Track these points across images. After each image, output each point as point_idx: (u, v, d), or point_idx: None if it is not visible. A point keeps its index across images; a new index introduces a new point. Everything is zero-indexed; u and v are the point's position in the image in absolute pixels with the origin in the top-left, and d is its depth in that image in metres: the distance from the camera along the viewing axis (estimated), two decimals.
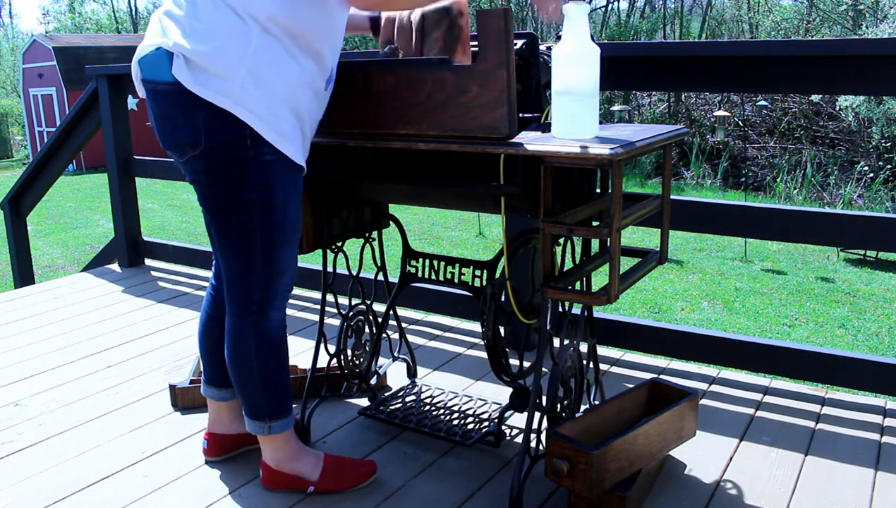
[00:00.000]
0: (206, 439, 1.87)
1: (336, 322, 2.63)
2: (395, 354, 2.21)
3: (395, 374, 2.32)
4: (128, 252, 3.68)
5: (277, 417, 1.66)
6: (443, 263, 1.91)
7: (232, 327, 1.61)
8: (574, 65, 1.39)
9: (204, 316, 1.80)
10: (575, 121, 1.42)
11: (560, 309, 1.63)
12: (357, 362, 2.09)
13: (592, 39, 1.44)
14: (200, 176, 1.47)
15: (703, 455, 1.84)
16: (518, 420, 2.00)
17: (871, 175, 11.16)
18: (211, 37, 1.36)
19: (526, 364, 1.84)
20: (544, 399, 1.62)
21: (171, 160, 2.14)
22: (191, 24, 1.38)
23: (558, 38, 1.74)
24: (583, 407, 1.77)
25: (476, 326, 2.75)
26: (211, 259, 2.00)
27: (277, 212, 1.50)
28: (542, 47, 1.69)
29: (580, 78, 1.40)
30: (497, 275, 1.76)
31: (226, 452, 1.87)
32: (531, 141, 1.40)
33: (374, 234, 2.04)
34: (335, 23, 1.49)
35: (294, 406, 2.09)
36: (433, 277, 1.93)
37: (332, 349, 2.00)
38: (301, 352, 2.57)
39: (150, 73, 1.42)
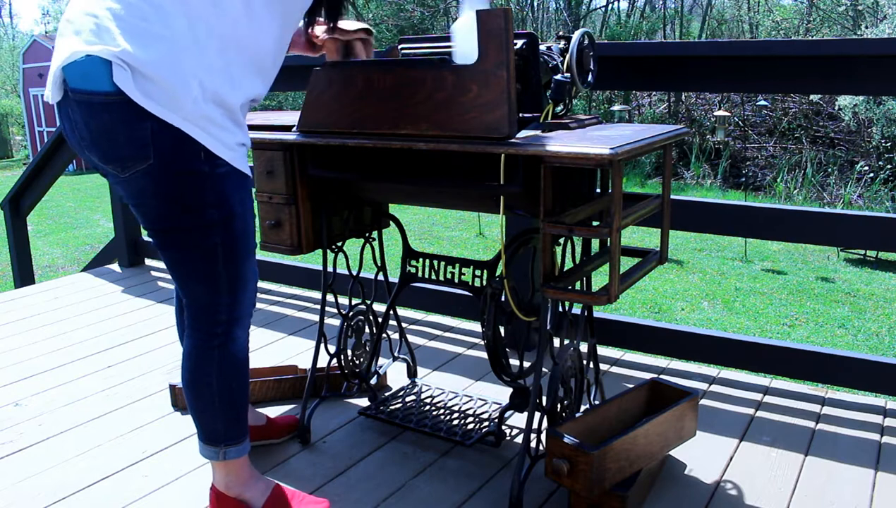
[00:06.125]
0: None
1: (336, 322, 2.63)
2: (396, 354, 2.21)
3: (395, 374, 2.32)
4: (128, 252, 3.68)
5: (234, 442, 1.53)
6: (443, 263, 1.91)
7: (192, 349, 1.48)
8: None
9: (180, 327, 1.71)
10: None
11: (560, 309, 1.63)
12: (357, 362, 2.09)
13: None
14: (147, 197, 1.35)
15: (703, 455, 1.84)
16: (518, 420, 2.00)
17: (871, 175, 11.15)
18: (163, 42, 1.24)
19: (526, 364, 1.84)
20: (544, 399, 1.62)
21: None
22: (138, 26, 1.24)
23: (558, 37, 1.74)
24: (583, 407, 1.78)
25: (476, 326, 2.75)
26: None
27: (237, 225, 1.41)
28: (542, 47, 1.69)
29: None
30: (497, 275, 1.76)
31: None
32: (531, 141, 1.40)
33: (374, 234, 2.04)
34: (280, 60, 1.47)
35: (294, 406, 2.09)
36: (433, 277, 1.93)
37: (332, 349, 2.00)
38: (301, 352, 2.57)
39: (82, 83, 1.25)
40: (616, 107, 12.84)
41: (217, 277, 1.42)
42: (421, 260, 1.94)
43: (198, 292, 1.44)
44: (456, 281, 1.89)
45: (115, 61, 1.22)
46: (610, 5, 17.72)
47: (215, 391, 1.49)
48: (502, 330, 1.78)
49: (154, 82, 1.23)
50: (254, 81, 1.39)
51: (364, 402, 2.13)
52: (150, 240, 1.44)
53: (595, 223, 1.67)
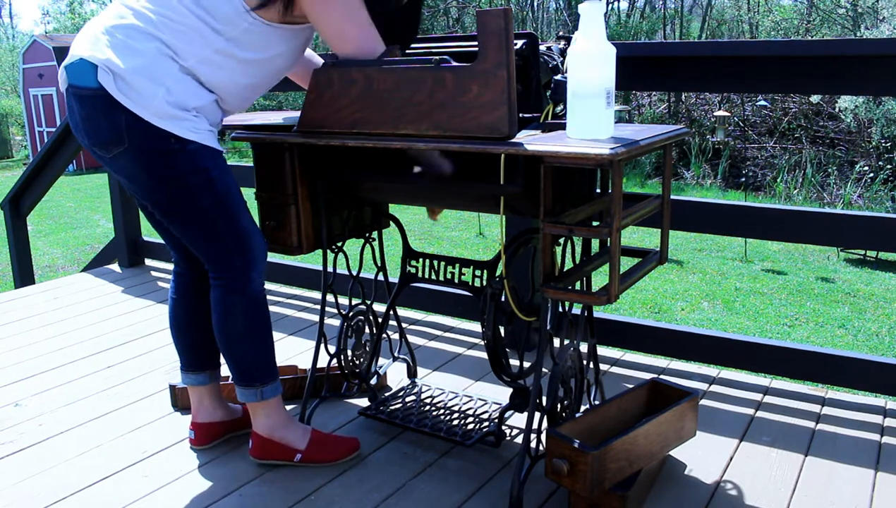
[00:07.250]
0: (191, 429, 1.91)
1: (336, 322, 2.63)
2: (396, 354, 2.21)
3: (395, 374, 2.32)
4: (128, 252, 3.68)
5: (268, 381, 1.75)
6: (443, 263, 1.91)
7: (219, 297, 1.69)
8: (587, 65, 1.38)
9: (171, 304, 1.87)
10: (588, 122, 1.41)
11: (560, 309, 1.63)
12: (357, 362, 2.09)
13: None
14: (134, 174, 1.58)
15: (703, 456, 1.84)
16: (518, 420, 2.00)
17: (871, 175, 11.15)
18: (139, 57, 1.50)
19: (526, 364, 1.84)
20: (544, 399, 1.62)
21: None
22: (123, 42, 1.52)
23: (558, 37, 1.75)
24: (583, 407, 1.78)
25: (476, 326, 2.75)
26: None
27: (219, 186, 1.61)
28: (542, 47, 1.69)
29: (593, 78, 1.38)
30: (497, 275, 1.76)
31: (213, 440, 1.92)
32: (531, 141, 1.40)
33: (374, 234, 2.04)
34: (252, 94, 1.67)
35: (294, 406, 2.09)
36: (433, 277, 1.93)
37: (332, 349, 2.00)
38: (301, 352, 2.57)
39: (76, 80, 1.54)
40: (616, 107, 12.85)
41: (219, 233, 1.63)
42: (421, 260, 1.94)
43: (209, 250, 1.66)
44: (456, 281, 1.89)
45: (101, 66, 1.50)
46: (610, 5, 17.72)
47: (242, 330, 1.70)
48: (502, 330, 1.78)
49: (130, 85, 1.50)
50: (210, 96, 1.60)
51: (364, 402, 2.13)
52: (161, 221, 1.70)
53: (595, 223, 1.67)
